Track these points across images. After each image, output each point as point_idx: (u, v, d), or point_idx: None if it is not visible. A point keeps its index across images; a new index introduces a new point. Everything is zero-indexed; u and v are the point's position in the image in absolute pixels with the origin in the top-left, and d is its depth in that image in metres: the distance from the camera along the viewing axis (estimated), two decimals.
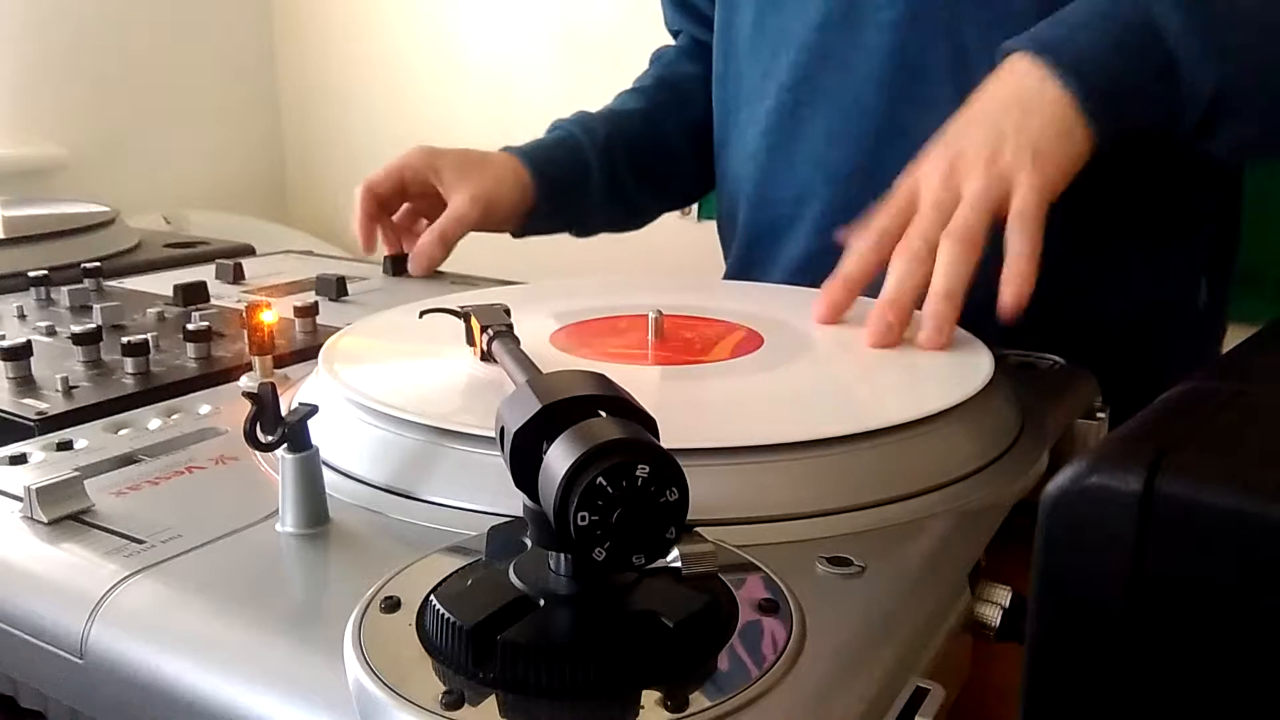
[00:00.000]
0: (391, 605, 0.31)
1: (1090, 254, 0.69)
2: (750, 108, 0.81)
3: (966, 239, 0.53)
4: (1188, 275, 0.73)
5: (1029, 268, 0.52)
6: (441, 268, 0.87)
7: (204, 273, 0.83)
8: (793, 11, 0.76)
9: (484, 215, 0.83)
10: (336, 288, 0.77)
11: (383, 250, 0.87)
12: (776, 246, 0.81)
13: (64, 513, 0.38)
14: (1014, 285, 0.52)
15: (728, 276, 0.89)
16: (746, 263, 0.85)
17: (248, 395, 0.36)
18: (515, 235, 0.88)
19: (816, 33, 0.74)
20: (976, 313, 0.52)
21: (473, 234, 0.86)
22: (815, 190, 0.77)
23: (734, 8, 0.82)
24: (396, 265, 0.85)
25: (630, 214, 0.95)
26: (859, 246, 0.57)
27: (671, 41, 0.99)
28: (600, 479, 0.26)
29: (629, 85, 0.96)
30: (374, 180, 0.85)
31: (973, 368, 0.48)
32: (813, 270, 0.59)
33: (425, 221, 0.88)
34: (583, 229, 0.93)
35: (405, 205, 0.88)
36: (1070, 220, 0.56)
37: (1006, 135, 0.55)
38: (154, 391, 0.56)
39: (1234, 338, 0.72)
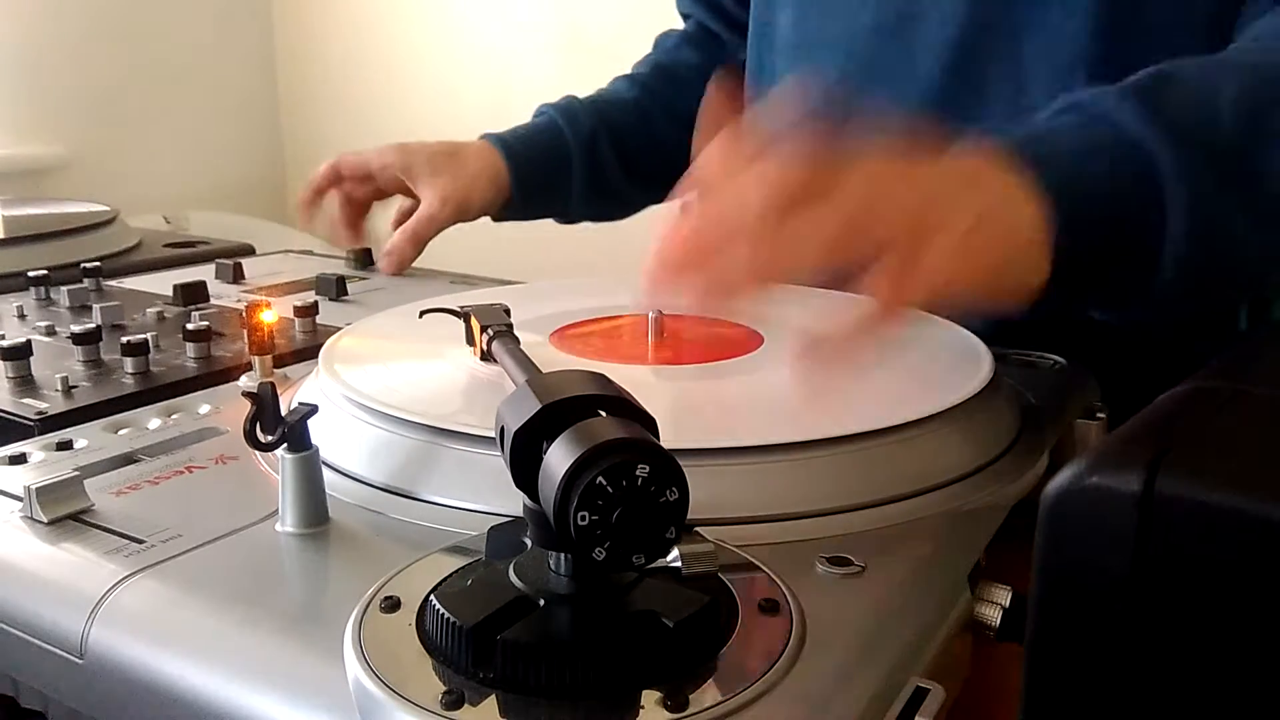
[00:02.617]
0: (391, 605, 0.31)
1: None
2: None
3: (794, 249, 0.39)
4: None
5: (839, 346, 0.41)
6: (441, 268, 0.87)
7: (204, 272, 0.83)
8: (836, 17, 0.75)
9: (456, 214, 0.82)
10: (336, 288, 0.77)
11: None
12: None
13: (64, 513, 0.38)
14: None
15: None
16: None
17: (248, 395, 0.36)
18: (495, 219, 0.87)
19: (864, 41, 0.73)
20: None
21: (471, 234, 0.86)
22: None
23: (773, 8, 0.81)
24: (361, 259, 0.86)
25: (617, 204, 0.94)
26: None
27: (679, 25, 0.98)
28: (600, 479, 0.26)
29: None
30: (341, 159, 0.84)
31: (972, 368, 0.48)
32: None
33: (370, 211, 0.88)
34: (565, 217, 0.92)
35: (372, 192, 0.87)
36: None
37: (955, 204, 0.42)
38: (154, 391, 0.56)
39: None
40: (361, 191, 0.87)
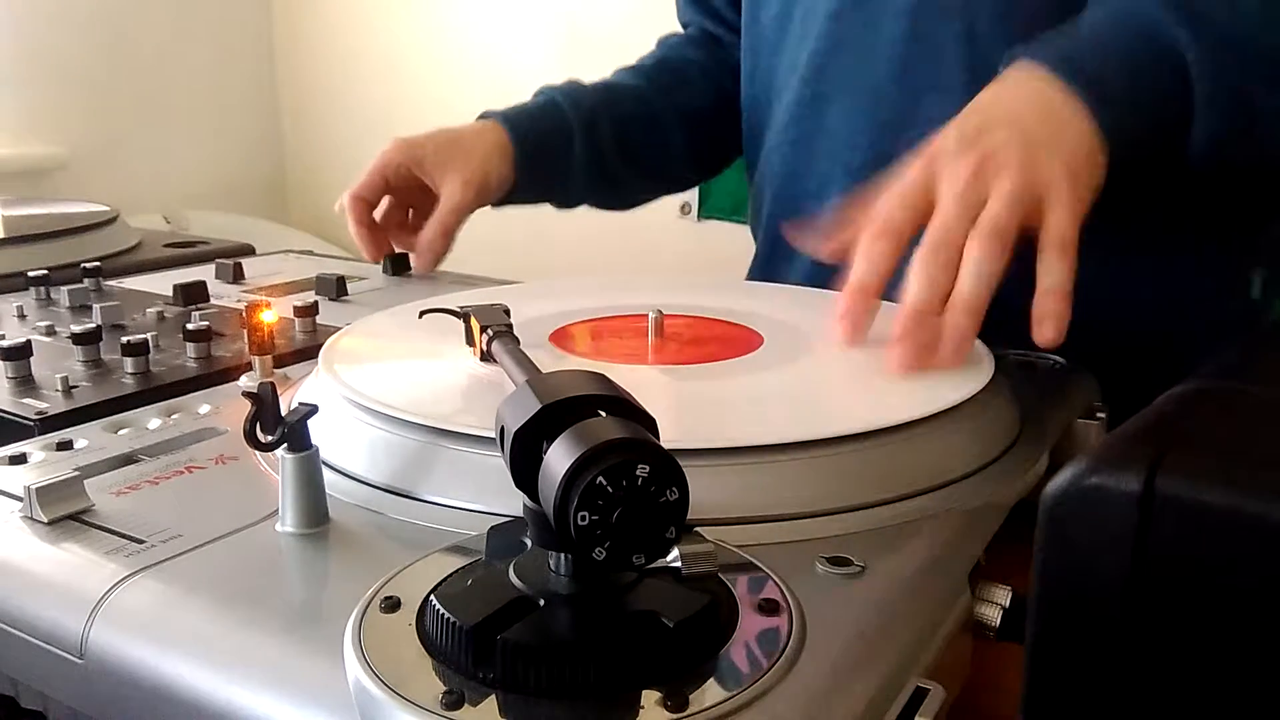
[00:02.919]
0: (391, 605, 0.31)
1: (1142, 256, 0.68)
2: (777, 101, 0.81)
3: (998, 237, 0.49)
4: (1241, 272, 0.73)
5: (1066, 304, 0.49)
6: (441, 268, 0.86)
7: (204, 272, 0.83)
8: (807, 6, 0.76)
9: (478, 198, 0.82)
10: (336, 287, 0.77)
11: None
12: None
13: (64, 513, 0.38)
14: (1054, 322, 0.49)
15: (752, 268, 0.88)
16: (770, 255, 0.84)
17: (248, 395, 0.36)
18: (494, 205, 0.86)
19: (833, 22, 0.74)
20: (995, 312, 0.50)
21: (471, 234, 0.86)
22: (835, 181, 0.76)
23: (757, 6, 0.82)
24: (396, 265, 0.85)
25: (614, 192, 0.93)
26: (872, 247, 0.52)
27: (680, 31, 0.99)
28: (600, 479, 0.26)
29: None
30: (359, 188, 0.84)
31: (973, 368, 0.48)
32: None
33: (413, 211, 0.87)
34: (563, 201, 0.92)
35: (386, 199, 0.86)
36: (1127, 222, 0.56)
37: (1041, 144, 0.51)
38: (154, 391, 0.56)
39: None
40: (384, 206, 0.86)
